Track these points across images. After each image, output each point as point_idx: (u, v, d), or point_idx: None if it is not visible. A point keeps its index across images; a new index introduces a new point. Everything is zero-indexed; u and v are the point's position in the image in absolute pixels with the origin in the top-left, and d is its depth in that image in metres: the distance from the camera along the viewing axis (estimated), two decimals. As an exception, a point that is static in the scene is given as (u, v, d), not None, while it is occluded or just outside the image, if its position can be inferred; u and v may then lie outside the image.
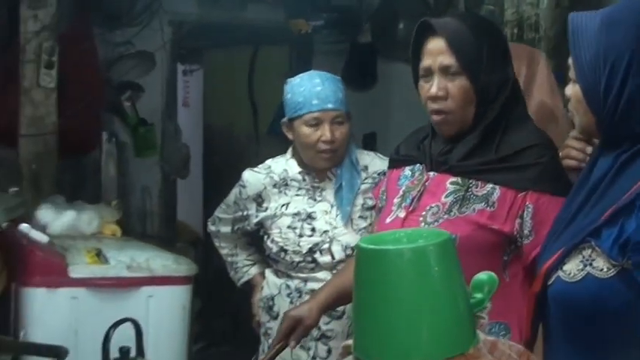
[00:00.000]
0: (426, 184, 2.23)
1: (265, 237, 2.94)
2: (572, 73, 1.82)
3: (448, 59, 2.18)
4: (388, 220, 2.29)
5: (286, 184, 2.92)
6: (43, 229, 3.47)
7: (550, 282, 1.82)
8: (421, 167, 2.28)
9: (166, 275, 3.18)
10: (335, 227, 2.82)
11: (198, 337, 5.14)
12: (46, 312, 3.01)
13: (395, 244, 1.29)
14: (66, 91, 4.33)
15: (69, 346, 2.37)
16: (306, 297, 2.72)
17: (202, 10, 5.44)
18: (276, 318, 2.89)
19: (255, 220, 2.96)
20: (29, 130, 4.21)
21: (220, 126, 6.93)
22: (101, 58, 5.01)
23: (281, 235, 2.87)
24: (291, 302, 2.85)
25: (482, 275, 1.39)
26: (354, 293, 1.33)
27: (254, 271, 3.13)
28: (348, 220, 2.82)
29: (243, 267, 3.15)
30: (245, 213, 2.99)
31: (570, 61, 1.83)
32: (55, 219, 3.60)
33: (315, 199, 2.88)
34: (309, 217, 2.86)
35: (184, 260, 3.36)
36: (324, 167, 2.87)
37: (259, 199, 2.95)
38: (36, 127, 4.21)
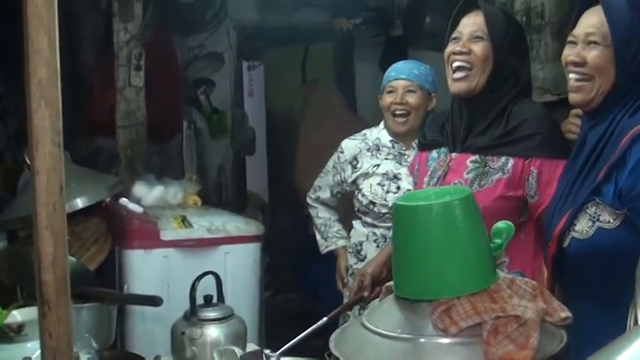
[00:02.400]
0: (450, 164, 2.20)
1: (357, 193, 2.97)
2: (596, 37, 1.77)
3: (480, 25, 2.16)
4: None
5: (378, 149, 2.97)
6: (138, 201, 3.51)
7: (566, 244, 1.79)
8: (445, 150, 2.25)
9: (239, 235, 3.19)
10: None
11: (267, 287, 5.17)
12: (144, 269, 3.05)
13: (425, 200, 1.28)
14: (152, 88, 4.38)
15: (163, 295, 2.40)
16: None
17: (261, 16, 5.44)
18: (363, 260, 2.94)
19: (350, 180, 3.00)
20: (124, 122, 4.26)
21: (280, 111, 6.92)
22: (179, 60, 5.05)
23: (371, 190, 2.91)
24: (377, 247, 2.87)
25: (501, 224, 1.39)
26: (393, 243, 1.33)
27: (341, 243, 3.16)
28: None
29: (334, 237, 3.17)
30: (342, 176, 3.03)
31: (587, 29, 1.78)
32: (148, 193, 3.64)
33: (401, 164, 2.91)
34: (395, 177, 2.90)
35: (254, 222, 3.37)
36: (398, 130, 2.90)
37: (354, 162, 2.99)
38: (129, 120, 4.26)
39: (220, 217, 3.37)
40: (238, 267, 3.15)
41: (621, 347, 0.90)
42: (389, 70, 2.98)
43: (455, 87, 2.19)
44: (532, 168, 2.09)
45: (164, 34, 4.88)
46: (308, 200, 3.26)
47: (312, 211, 3.26)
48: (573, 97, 1.83)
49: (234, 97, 5.55)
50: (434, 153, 2.30)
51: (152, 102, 4.39)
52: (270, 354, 1.83)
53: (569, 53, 1.82)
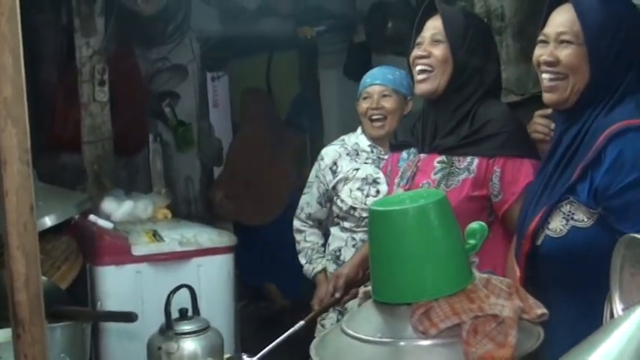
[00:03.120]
0: (418, 164, 2.22)
1: (336, 199, 2.97)
2: (568, 36, 1.76)
3: (439, 29, 2.18)
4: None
5: (357, 154, 2.99)
6: (107, 217, 3.48)
7: (539, 242, 1.79)
8: (415, 150, 2.28)
9: (212, 247, 3.18)
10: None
11: (239, 297, 5.15)
12: (116, 285, 3.02)
13: (400, 204, 1.28)
14: (117, 103, 4.34)
15: (137, 311, 2.38)
16: None
17: (224, 26, 5.42)
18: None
19: (331, 186, 3.00)
20: (89, 137, 4.21)
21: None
22: (143, 73, 5.01)
23: (351, 195, 2.91)
24: (357, 251, 2.87)
25: (475, 225, 1.39)
26: (370, 247, 1.33)
27: (325, 262, 3.13)
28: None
29: (318, 258, 3.14)
30: (325, 182, 3.02)
31: (559, 28, 1.78)
32: (117, 208, 3.61)
33: (379, 168, 2.92)
34: (375, 181, 2.91)
35: (226, 233, 3.36)
36: (375, 135, 2.93)
37: (334, 167, 3.00)
38: (95, 135, 4.22)
39: (191, 229, 3.35)
40: (212, 279, 3.14)
41: (598, 341, 0.91)
42: (365, 76, 3.01)
43: (418, 89, 2.24)
44: (495, 167, 2.11)
45: (127, 48, 4.85)
46: (296, 223, 3.20)
47: (299, 236, 3.19)
48: (548, 97, 1.82)
49: (199, 109, 5.52)
50: (404, 154, 2.32)
51: (117, 116, 4.35)
52: (248, 358, 1.83)
53: (541, 53, 1.82)
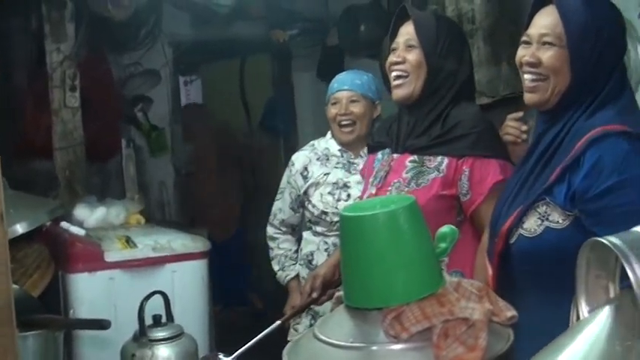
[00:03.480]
0: (391, 164, 2.25)
1: (308, 204, 2.97)
2: (551, 38, 1.77)
3: (412, 34, 2.21)
4: (364, 196, 2.33)
5: (327, 158, 3.00)
6: (80, 224, 3.46)
7: (512, 240, 1.80)
8: (389, 151, 2.31)
9: (185, 252, 3.17)
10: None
11: (216, 301, 5.14)
12: (89, 292, 3.00)
13: (370, 210, 1.29)
14: (88, 108, 4.31)
15: (110, 318, 2.37)
16: None
17: (196, 30, 5.41)
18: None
19: (302, 190, 3.00)
20: (61, 143, 4.18)
21: (219, 124, 6.90)
22: (115, 78, 4.99)
23: (322, 199, 2.92)
24: (329, 256, 2.87)
25: (445, 228, 1.40)
26: (341, 253, 1.34)
27: (299, 268, 3.12)
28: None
29: (291, 265, 3.14)
30: (296, 189, 3.03)
31: (542, 29, 1.79)
32: (89, 215, 3.59)
33: (350, 172, 2.94)
34: (345, 185, 2.93)
35: (200, 239, 3.34)
36: (345, 140, 2.94)
37: (305, 172, 3.00)
38: (66, 141, 4.19)
39: (165, 235, 3.34)
40: (186, 285, 3.12)
41: (563, 345, 0.93)
42: (332, 81, 3.02)
43: (395, 95, 2.28)
44: (464, 167, 2.14)
45: (98, 53, 4.82)
46: (269, 229, 3.20)
47: (272, 243, 3.18)
48: (529, 98, 1.84)
49: (172, 113, 5.50)
50: (379, 155, 2.36)
51: (89, 122, 4.32)
52: (225, 357, 1.83)
53: (523, 54, 1.83)
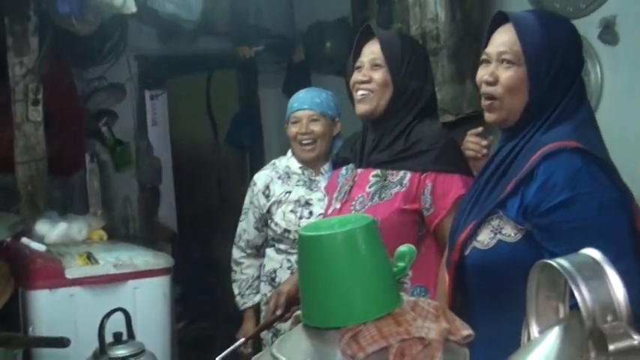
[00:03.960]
0: (355, 179, 2.28)
1: (270, 222, 2.97)
2: (509, 56, 1.80)
3: (377, 54, 2.24)
4: (329, 211, 2.34)
5: (289, 177, 3.01)
6: (41, 239, 3.41)
7: (467, 252, 1.83)
8: (353, 166, 2.33)
9: (148, 269, 3.14)
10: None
11: (181, 317, 5.11)
12: (49, 310, 2.96)
13: (328, 229, 1.30)
14: (52, 122, 4.28)
15: (70, 336, 2.35)
16: None
17: (162, 45, 5.40)
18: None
19: (265, 209, 3.00)
20: (23, 157, 4.13)
21: (185, 139, 6.89)
22: (79, 92, 4.95)
23: (284, 217, 2.92)
24: (292, 274, 2.88)
25: (404, 247, 1.41)
26: (299, 272, 1.35)
27: (257, 299, 3.12)
28: None
29: (250, 294, 3.13)
30: (259, 208, 3.02)
31: (500, 47, 1.81)
32: (51, 230, 3.55)
33: (311, 189, 2.94)
34: (307, 203, 2.94)
35: (162, 255, 3.32)
36: (306, 158, 2.96)
37: (267, 191, 3.00)
38: (28, 155, 4.14)
39: (127, 251, 3.31)
40: (148, 302, 3.10)
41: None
42: (291, 100, 3.03)
43: (358, 109, 2.31)
44: (427, 182, 2.17)
45: (62, 67, 4.78)
46: (235, 252, 3.19)
47: (237, 267, 3.17)
48: (487, 117, 1.87)
49: (137, 128, 5.48)
50: (343, 170, 2.38)
51: (53, 136, 4.28)
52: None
53: (483, 73, 1.86)
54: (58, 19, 4.09)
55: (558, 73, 1.77)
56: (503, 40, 1.83)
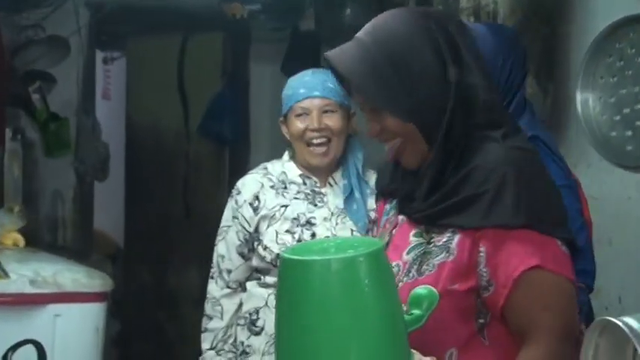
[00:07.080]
0: (393, 231, 2.03)
1: (258, 245, 2.90)
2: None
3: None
4: None
5: (285, 187, 2.96)
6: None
7: None
8: (396, 204, 2.10)
9: (76, 291, 3.14)
10: (336, 236, 2.85)
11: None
12: None
13: (321, 254, 1.29)
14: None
15: (-40, 371, 2.35)
16: None
17: (125, -9, 5.43)
18: (258, 334, 2.91)
19: (252, 227, 2.92)
20: None
21: (146, 121, 6.89)
22: (5, 44, 4.95)
23: (277, 240, 2.86)
24: None
25: (421, 289, 1.41)
26: (277, 307, 1.34)
27: None
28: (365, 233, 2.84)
29: (230, 351, 3.05)
30: (246, 225, 2.94)
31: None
32: (-52, 226, 3.56)
33: (315, 205, 2.91)
34: (309, 222, 2.89)
35: (98, 274, 3.31)
36: (318, 164, 2.91)
37: (256, 202, 2.94)
38: None
39: (51, 264, 3.31)
40: (72, 335, 3.09)
41: None
42: (294, 84, 2.96)
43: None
44: (480, 246, 1.85)
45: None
46: (213, 289, 3.06)
47: (212, 310, 2.96)
48: None
49: (81, 100, 5.49)
50: (387, 206, 2.13)
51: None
52: None
53: None
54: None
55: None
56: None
